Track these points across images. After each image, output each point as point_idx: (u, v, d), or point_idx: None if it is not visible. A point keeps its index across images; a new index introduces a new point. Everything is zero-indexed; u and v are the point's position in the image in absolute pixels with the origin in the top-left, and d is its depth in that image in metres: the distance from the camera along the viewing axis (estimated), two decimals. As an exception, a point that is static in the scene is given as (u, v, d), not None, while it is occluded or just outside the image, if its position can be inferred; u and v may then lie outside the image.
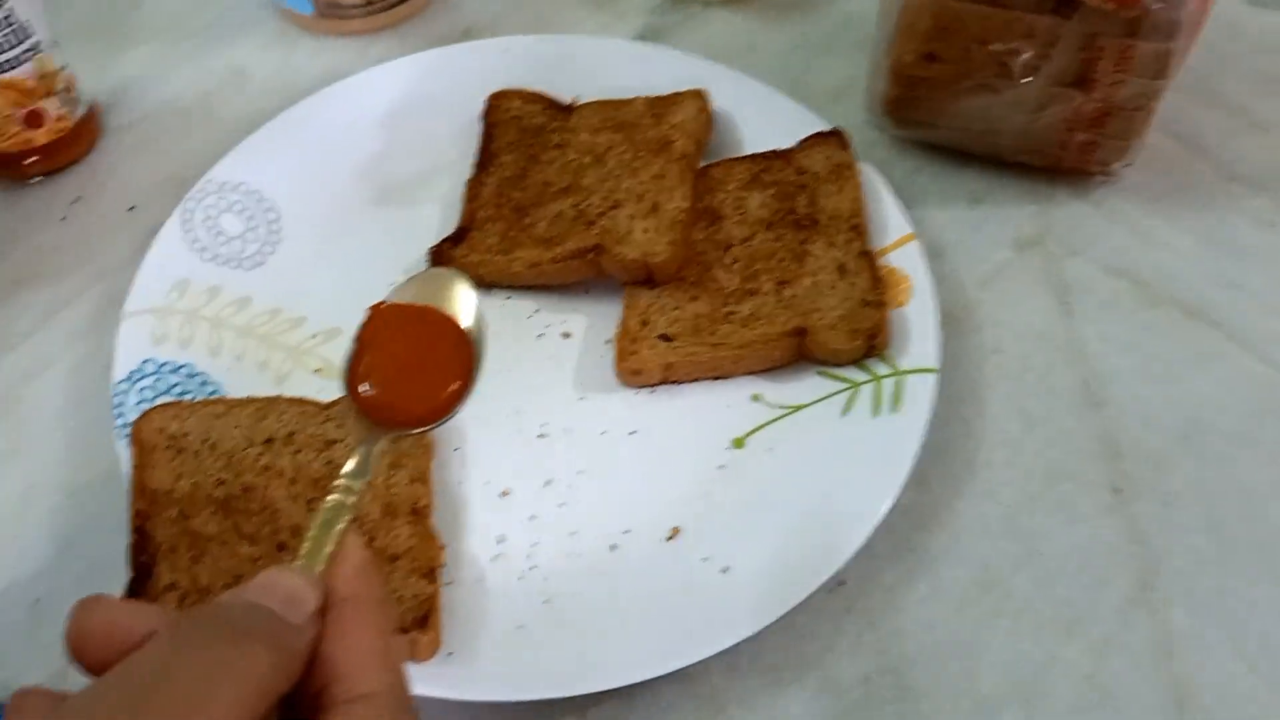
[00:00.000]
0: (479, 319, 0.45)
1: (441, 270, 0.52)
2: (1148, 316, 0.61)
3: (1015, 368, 0.59)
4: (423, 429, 0.43)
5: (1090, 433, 0.57)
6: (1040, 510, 0.54)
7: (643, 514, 0.54)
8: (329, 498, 0.37)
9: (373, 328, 0.44)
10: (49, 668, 0.50)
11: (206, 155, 0.66)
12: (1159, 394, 0.58)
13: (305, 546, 0.36)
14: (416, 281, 0.46)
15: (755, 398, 0.58)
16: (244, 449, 0.53)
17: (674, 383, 0.58)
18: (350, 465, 0.39)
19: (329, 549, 0.35)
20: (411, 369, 0.43)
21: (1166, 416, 0.57)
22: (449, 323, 0.44)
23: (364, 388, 0.42)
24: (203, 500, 0.51)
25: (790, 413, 0.57)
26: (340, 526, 0.36)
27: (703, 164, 0.65)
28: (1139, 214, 0.65)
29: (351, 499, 0.37)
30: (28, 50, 0.63)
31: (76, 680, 0.31)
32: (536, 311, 0.61)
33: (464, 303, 0.45)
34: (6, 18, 0.61)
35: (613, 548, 0.53)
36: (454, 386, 0.43)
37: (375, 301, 0.45)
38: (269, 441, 0.53)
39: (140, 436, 0.53)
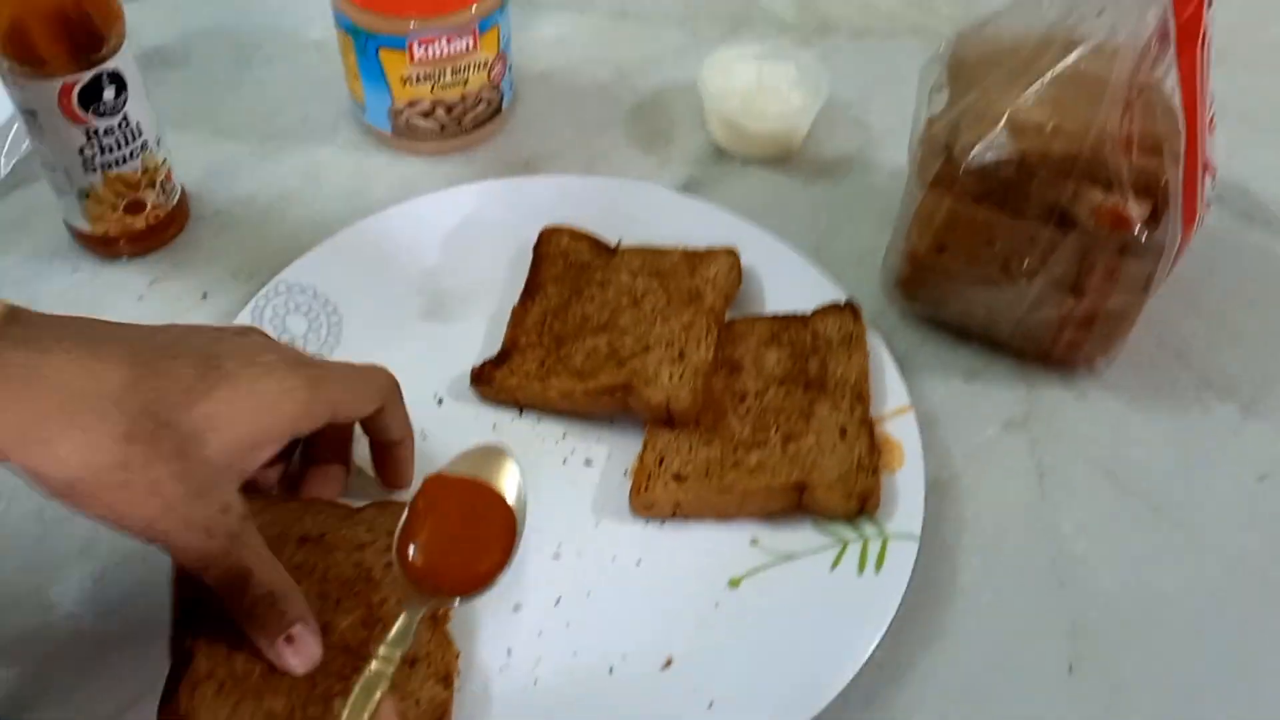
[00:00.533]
0: (522, 495, 0.51)
1: (493, 446, 0.57)
2: (1116, 507, 0.66)
3: (991, 540, 0.65)
4: (463, 598, 0.49)
5: (1053, 610, 0.62)
6: (999, 678, 0.59)
7: (642, 641, 0.59)
8: (371, 665, 0.43)
9: (427, 497, 0.50)
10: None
11: (278, 250, 0.73)
12: (1120, 582, 0.63)
13: (345, 713, 0.42)
14: (471, 456, 0.53)
15: (754, 542, 0.63)
16: (279, 547, 0.55)
17: (682, 518, 0.64)
18: (393, 632, 0.45)
19: (367, 716, 0.41)
20: (459, 541, 0.49)
21: (1125, 605, 0.62)
22: (496, 498, 0.51)
23: (413, 555, 0.48)
24: None
25: (784, 560, 0.63)
26: (378, 695, 0.42)
27: (729, 317, 0.71)
28: (1118, 408, 0.71)
29: (390, 669, 0.44)
30: (136, 149, 0.70)
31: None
32: (564, 436, 0.67)
33: (510, 479, 0.51)
34: (122, 121, 0.68)
35: (611, 670, 0.58)
36: (496, 558, 0.49)
37: (432, 473, 0.51)
38: (303, 541, 0.56)
39: None
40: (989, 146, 0.63)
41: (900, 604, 0.59)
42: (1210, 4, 0.58)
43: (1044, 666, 0.60)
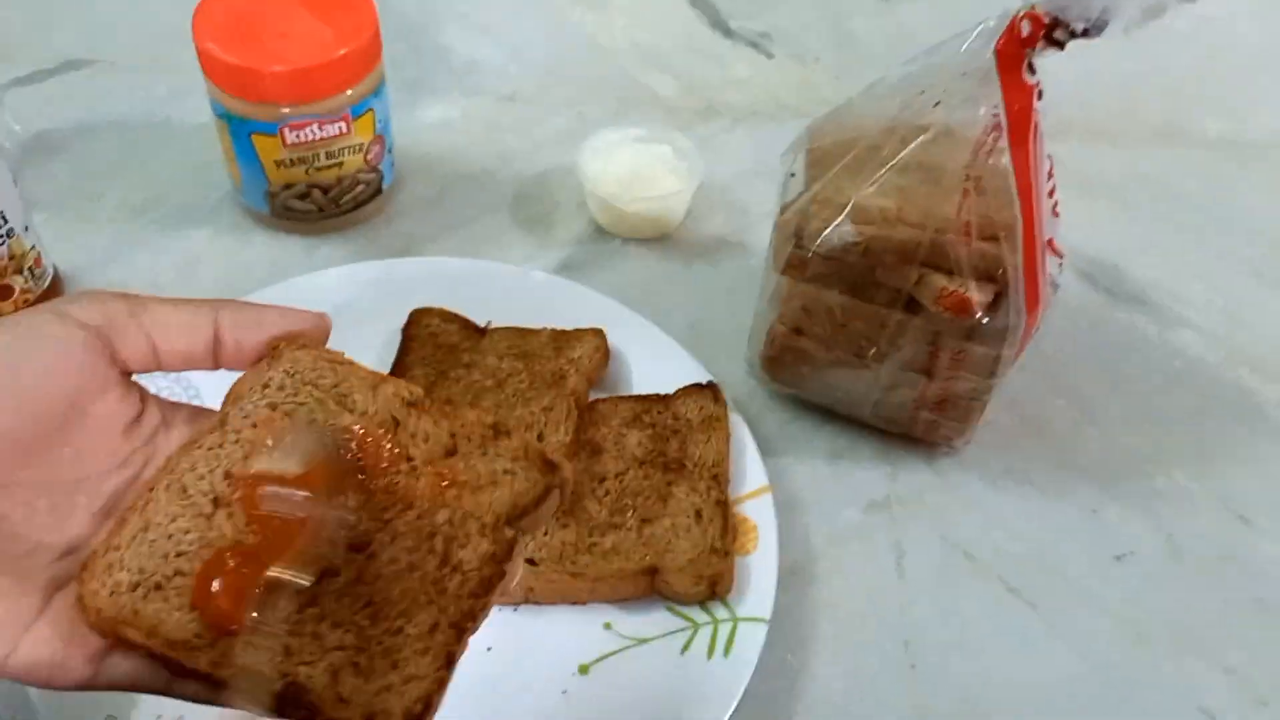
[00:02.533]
0: None
1: None
2: (971, 588, 0.67)
3: (846, 623, 0.65)
4: None
5: (904, 696, 0.62)
6: (846, 765, 0.59)
7: None
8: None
9: None
10: None
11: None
12: (971, 666, 0.63)
13: None
14: None
15: (607, 626, 0.63)
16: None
17: (534, 603, 0.64)
18: None
19: None
20: None
21: (974, 690, 0.62)
22: None
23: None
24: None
25: (635, 645, 0.62)
26: None
27: (593, 397, 0.72)
28: (977, 488, 0.71)
29: None
30: (2, 235, 0.70)
31: None
32: (421, 521, 0.67)
33: None
34: (-17, 208, 0.68)
35: (448, 761, 0.57)
36: None
37: None
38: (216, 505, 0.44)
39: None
40: (834, 233, 0.64)
41: (747, 689, 0.59)
42: (1040, 95, 0.60)
43: (893, 755, 0.60)
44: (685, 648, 0.62)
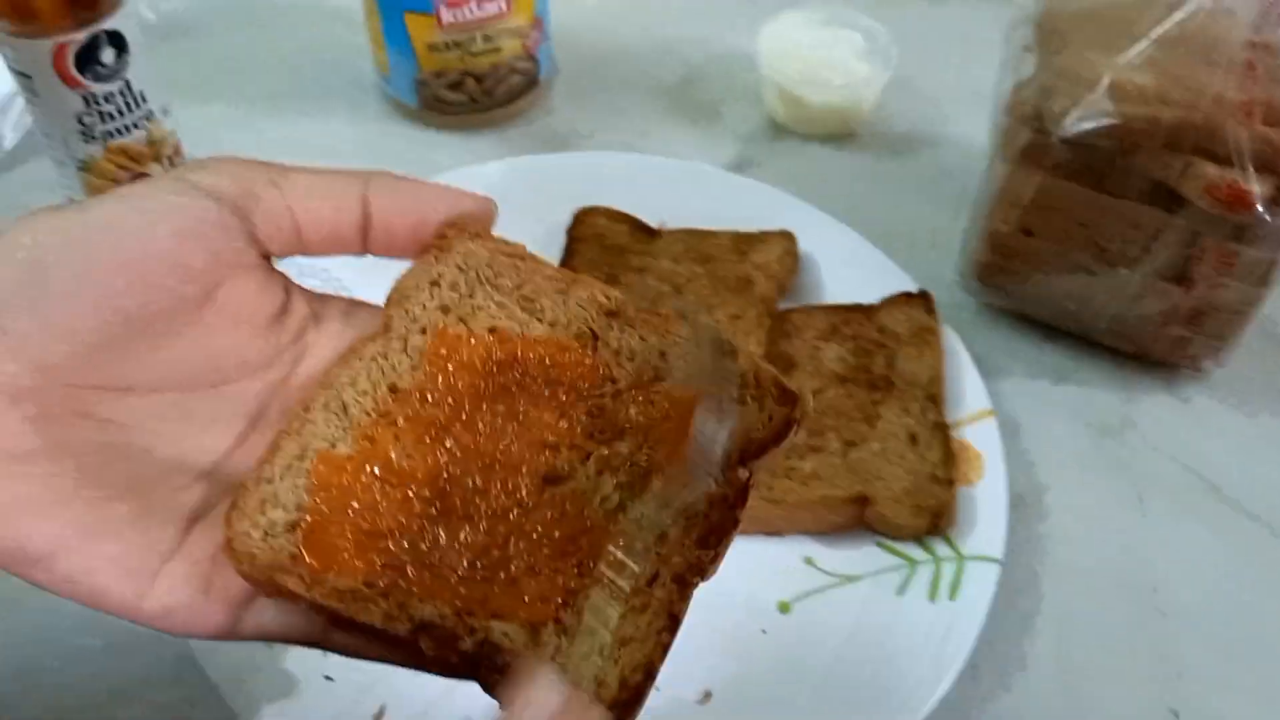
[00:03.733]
0: None
1: None
2: (1227, 529, 0.58)
3: (1081, 563, 0.57)
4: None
5: (1152, 646, 0.54)
6: (1092, 724, 0.52)
7: (678, 671, 0.51)
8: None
9: None
10: None
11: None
12: (1230, 614, 0.55)
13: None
14: None
15: (808, 561, 0.56)
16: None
17: (726, 533, 0.57)
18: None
19: None
20: None
21: (1236, 641, 0.54)
22: None
23: None
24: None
25: (842, 583, 0.55)
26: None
27: (782, 307, 0.64)
28: (1227, 416, 0.62)
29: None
30: (141, 118, 0.64)
31: None
32: (597, 438, 0.61)
33: None
34: (124, 87, 0.62)
35: (643, 704, 0.51)
36: None
37: None
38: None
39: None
40: (1087, 114, 0.55)
41: (979, 635, 0.51)
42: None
43: (1142, 713, 0.52)
44: (902, 588, 0.54)
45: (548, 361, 0.37)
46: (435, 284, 0.38)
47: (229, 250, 0.35)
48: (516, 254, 0.39)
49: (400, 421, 0.36)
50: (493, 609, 0.33)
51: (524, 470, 0.35)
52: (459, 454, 0.35)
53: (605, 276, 0.65)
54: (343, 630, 0.35)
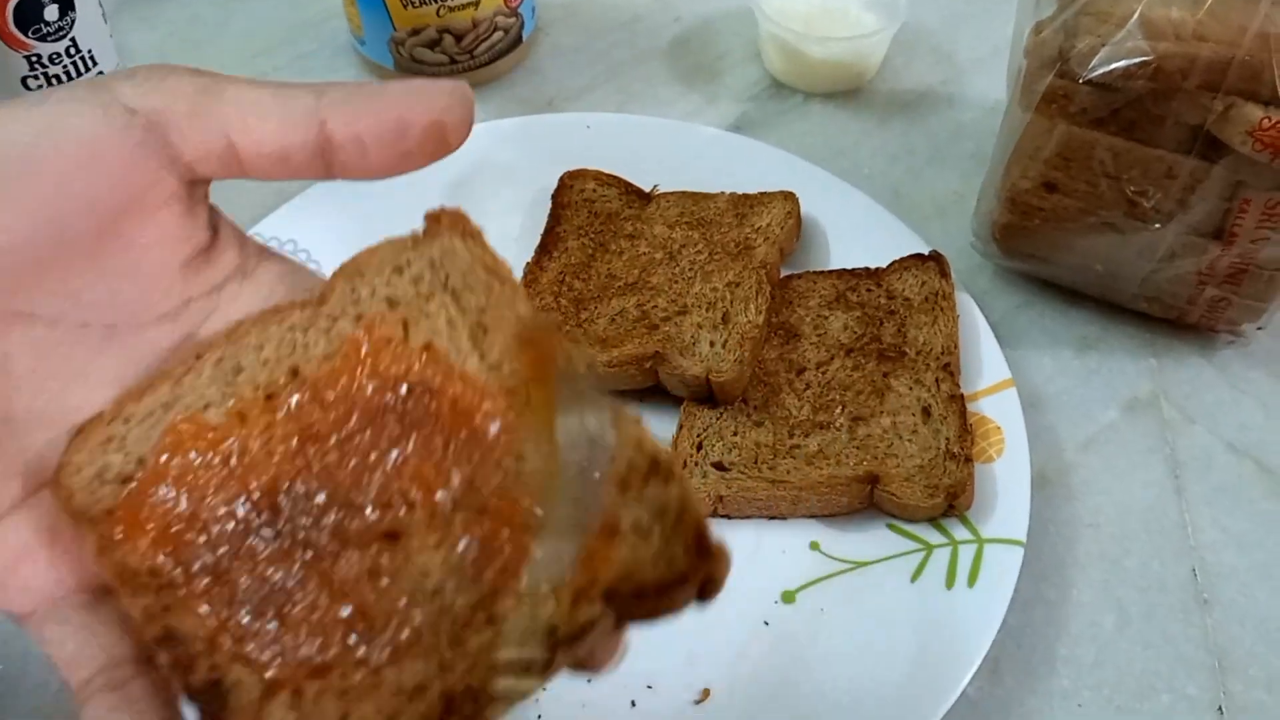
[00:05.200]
0: None
1: None
2: (1273, 508, 0.53)
3: (1113, 549, 0.52)
4: None
5: (1194, 638, 0.49)
6: (1128, 725, 0.47)
7: (671, 667, 0.48)
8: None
9: None
10: None
11: (260, 203, 0.62)
12: (1278, 601, 0.50)
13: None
14: None
15: (813, 546, 0.52)
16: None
17: (724, 517, 0.52)
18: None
19: None
20: None
21: (1288, 630, 0.49)
22: None
23: None
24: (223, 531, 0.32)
25: (851, 569, 0.51)
26: None
27: (784, 273, 0.59)
28: (1270, 385, 0.57)
29: None
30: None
31: None
32: (583, 417, 0.56)
33: None
34: (70, 47, 0.58)
35: (633, 704, 0.47)
36: None
37: None
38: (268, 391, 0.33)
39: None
40: (1116, 52, 0.50)
41: (1000, 627, 0.47)
42: None
43: (1185, 710, 0.48)
44: (916, 574, 0.50)
45: (460, 407, 0.31)
46: (398, 270, 0.33)
47: (140, 176, 0.30)
48: (498, 274, 0.33)
49: (279, 411, 0.31)
50: (242, 652, 0.29)
51: (369, 516, 0.30)
52: (315, 472, 0.30)
53: (594, 244, 0.60)
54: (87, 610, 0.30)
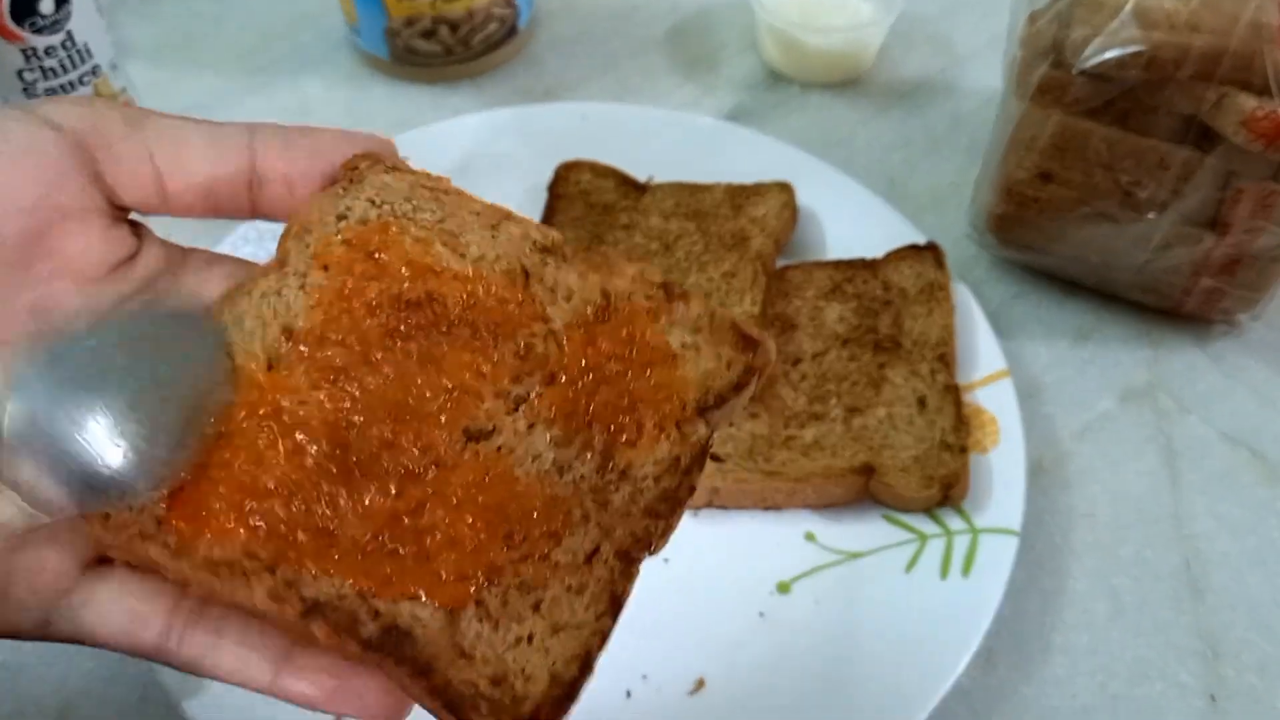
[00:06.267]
0: None
1: None
2: (1266, 496, 0.53)
3: (1108, 538, 0.52)
4: None
5: (1188, 626, 0.50)
6: (1122, 713, 0.47)
7: (666, 658, 0.48)
8: None
9: None
10: None
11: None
12: (1271, 591, 0.50)
13: None
14: None
15: (809, 537, 0.52)
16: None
17: (719, 508, 0.53)
18: None
19: None
20: None
21: (1278, 619, 0.49)
22: None
23: None
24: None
25: (846, 560, 0.51)
26: None
27: (780, 264, 0.59)
28: (1264, 374, 0.57)
29: None
30: (86, 73, 0.60)
31: None
32: (579, 408, 0.56)
33: None
34: (66, 40, 0.58)
35: (627, 695, 0.47)
36: None
37: None
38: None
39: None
40: (1110, 42, 0.50)
41: (995, 616, 0.47)
42: None
43: (1178, 698, 0.48)
44: (911, 564, 0.50)
45: (470, 299, 0.32)
46: (342, 217, 0.33)
47: (65, 190, 0.30)
48: (440, 188, 0.35)
49: (295, 365, 0.31)
50: (402, 588, 0.29)
51: (441, 422, 0.31)
52: (364, 402, 0.30)
53: (590, 235, 0.60)
54: (204, 636, 0.30)
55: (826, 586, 0.50)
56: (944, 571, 0.49)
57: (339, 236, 0.33)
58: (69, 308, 0.31)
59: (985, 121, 0.60)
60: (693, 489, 0.32)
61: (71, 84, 0.60)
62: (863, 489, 0.52)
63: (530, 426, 0.31)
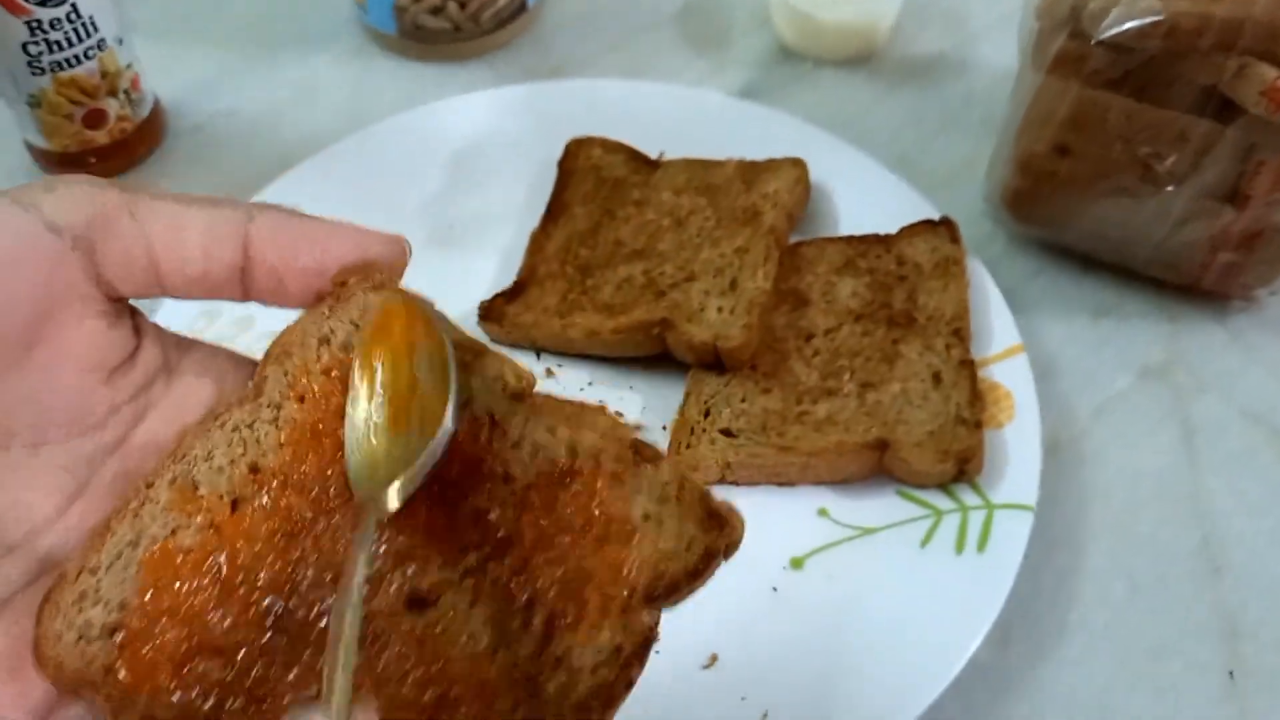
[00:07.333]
0: None
1: None
2: (1286, 473, 0.53)
3: (1125, 516, 0.52)
4: None
5: (1206, 604, 0.49)
6: (1139, 691, 0.47)
7: (679, 633, 0.47)
8: (339, 611, 0.28)
9: None
10: None
11: (265, 170, 0.62)
12: (1293, 568, 0.50)
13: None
14: None
15: (822, 513, 0.51)
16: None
17: (731, 484, 0.52)
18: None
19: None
20: None
21: (1301, 596, 0.49)
22: None
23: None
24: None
25: (860, 535, 0.50)
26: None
27: (793, 240, 0.59)
28: (1285, 351, 0.57)
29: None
30: (91, 47, 0.59)
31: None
32: (589, 384, 0.56)
33: None
34: (71, 12, 0.57)
35: (639, 670, 0.47)
36: None
37: None
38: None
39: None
40: (1129, 12, 0.49)
41: (1010, 592, 0.46)
42: None
43: (1197, 676, 0.48)
44: (926, 540, 0.49)
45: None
46: (325, 342, 0.32)
47: (65, 286, 0.30)
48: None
49: (254, 511, 0.30)
50: None
51: (386, 589, 0.30)
52: (314, 559, 0.30)
53: (601, 211, 0.60)
54: None
55: (840, 562, 0.50)
56: (959, 547, 0.49)
57: (319, 364, 0.32)
58: (68, 397, 0.31)
59: (1000, 98, 0.60)
60: (630, 685, 0.30)
61: (77, 57, 0.59)
62: (876, 464, 0.51)
63: (473, 603, 0.30)
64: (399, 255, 0.33)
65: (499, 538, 0.30)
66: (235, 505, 0.30)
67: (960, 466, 0.50)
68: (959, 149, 0.65)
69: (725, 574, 0.48)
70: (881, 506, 0.51)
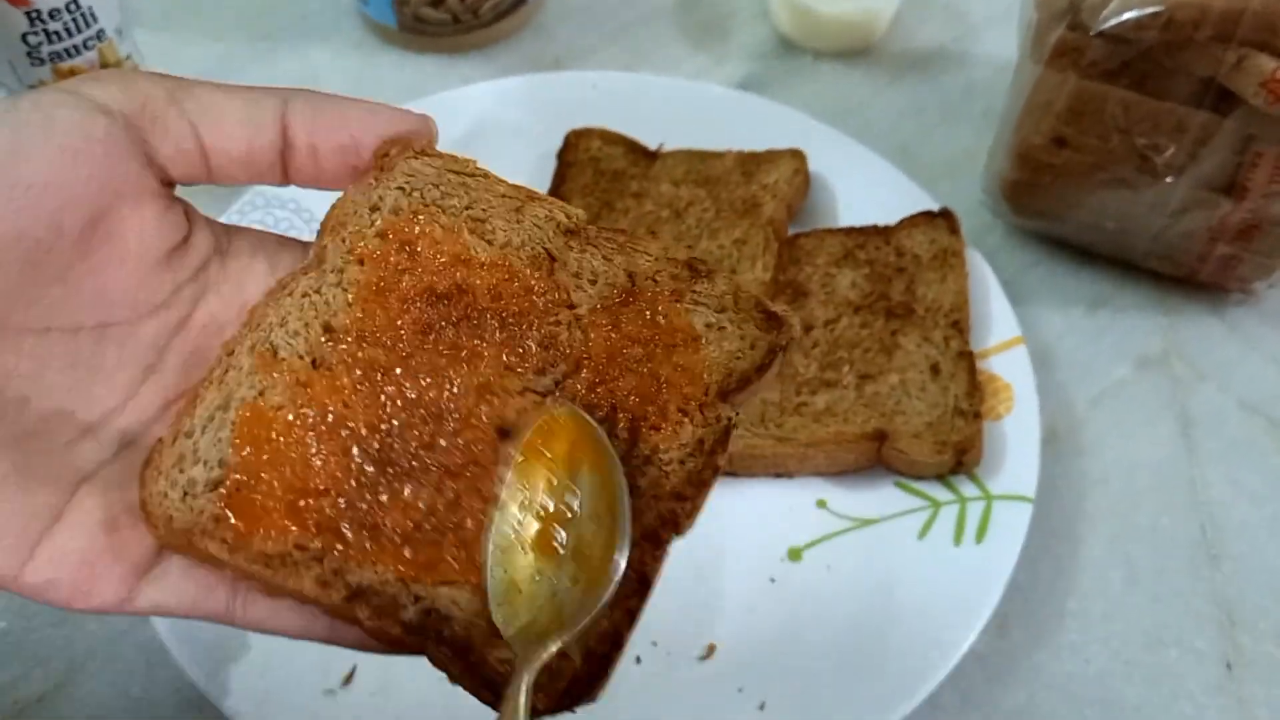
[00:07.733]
0: None
1: None
2: (1283, 463, 0.53)
3: (1123, 505, 0.52)
4: None
5: (1204, 594, 0.49)
6: (1136, 679, 0.47)
7: (677, 624, 0.48)
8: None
9: None
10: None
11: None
12: (1290, 558, 0.50)
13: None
14: None
15: (820, 504, 0.51)
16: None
17: (730, 474, 0.52)
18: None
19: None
20: None
21: (1298, 586, 0.49)
22: None
23: None
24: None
25: (858, 526, 0.51)
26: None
27: (792, 231, 0.59)
28: (1281, 343, 0.57)
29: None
30: (90, 38, 0.59)
31: None
32: (589, 375, 0.56)
33: None
34: (70, 3, 0.57)
35: (638, 660, 0.47)
36: None
37: None
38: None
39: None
40: (1127, 3, 0.49)
41: (1009, 583, 0.47)
42: None
43: (1194, 665, 0.48)
44: (924, 531, 0.50)
45: (497, 290, 0.33)
46: (375, 209, 0.34)
47: (121, 174, 0.31)
48: (467, 171, 0.35)
49: (336, 365, 0.32)
50: (441, 574, 0.30)
51: (477, 419, 0.32)
52: (403, 401, 0.32)
53: (600, 203, 0.60)
54: (266, 602, 0.31)
55: (838, 553, 0.50)
56: (957, 538, 0.49)
57: (373, 229, 0.33)
58: (132, 281, 0.31)
59: (999, 90, 0.60)
60: (718, 470, 0.32)
61: (76, 48, 0.59)
62: (875, 455, 0.51)
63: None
64: (426, 128, 0.34)
65: (572, 360, 0.33)
66: (315, 364, 0.32)
67: (958, 458, 0.50)
68: (958, 141, 0.65)
69: (724, 564, 0.49)
70: (880, 498, 0.51)
